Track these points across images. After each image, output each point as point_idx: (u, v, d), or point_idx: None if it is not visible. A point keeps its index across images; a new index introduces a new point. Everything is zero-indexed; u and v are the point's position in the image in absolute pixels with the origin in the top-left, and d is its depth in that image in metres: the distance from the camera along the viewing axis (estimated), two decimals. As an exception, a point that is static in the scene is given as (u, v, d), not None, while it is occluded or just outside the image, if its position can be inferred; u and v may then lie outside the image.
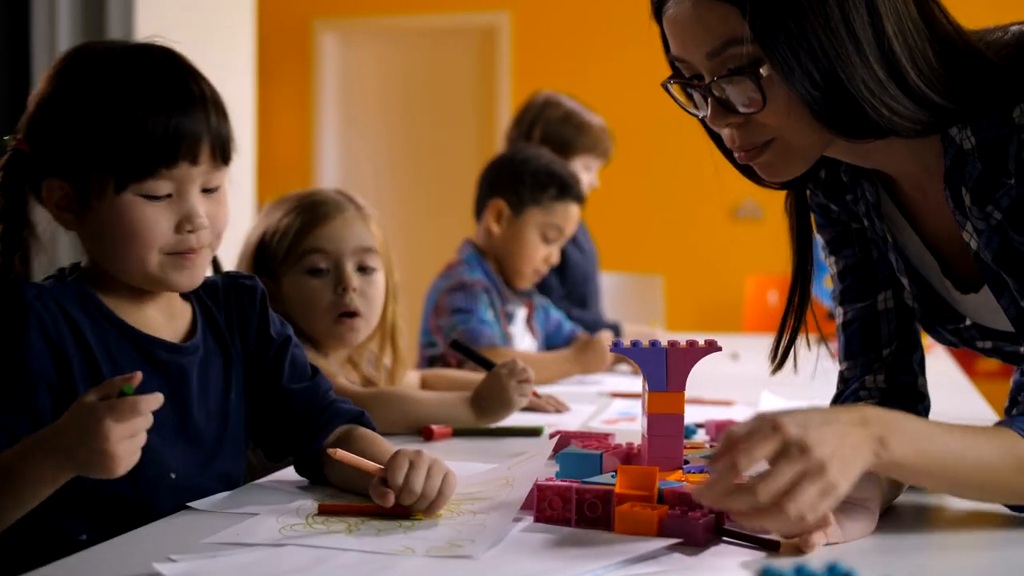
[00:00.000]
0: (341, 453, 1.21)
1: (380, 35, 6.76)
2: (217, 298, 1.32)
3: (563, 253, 2.91)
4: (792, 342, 1.34)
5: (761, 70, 1.09)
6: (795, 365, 1.35)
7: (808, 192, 1.36)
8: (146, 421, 1.02)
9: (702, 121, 1.23)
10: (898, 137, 1.13)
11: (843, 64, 1.07)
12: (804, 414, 0.98)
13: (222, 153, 1.20)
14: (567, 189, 2.63)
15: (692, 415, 1.43)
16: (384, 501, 1.13)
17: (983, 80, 1.12)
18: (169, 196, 1.18)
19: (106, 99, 1.16)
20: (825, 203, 1.37)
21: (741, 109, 1.13)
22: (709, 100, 1.15)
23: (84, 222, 1.19)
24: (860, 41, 1.07)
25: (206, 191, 1.21)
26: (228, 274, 1.37)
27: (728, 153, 1.27)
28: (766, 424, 0.96)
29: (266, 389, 1.35)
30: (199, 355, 1.27)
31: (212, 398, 1.28)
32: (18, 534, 1.11)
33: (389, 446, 1.29)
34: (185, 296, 1.30)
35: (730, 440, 0.97)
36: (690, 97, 1.19)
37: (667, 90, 1.20)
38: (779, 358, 1.35)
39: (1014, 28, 1.17)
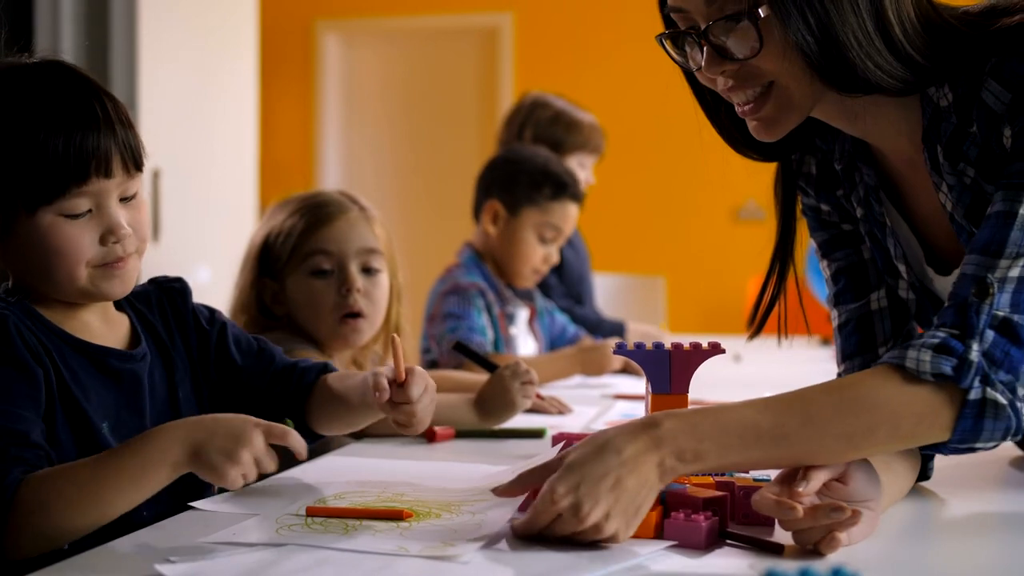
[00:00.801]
0: (398, 341, 1.28)
1: (382, 36, 6.76)
2: (150, 304, 1.34)
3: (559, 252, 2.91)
4: (770, 308, 1.36)
5: (759, 11, 1.11)
6: (778, 337, 1.37)
7: (799, 195, 1.39)
8: (274, 463, 1.08)
9: (693, 86, 1.26)
10: (882, 95, 1.16)
11: (836, 12, 1.10)
12: (581, 470, 1.01)
13: (134, 162, 1.21)
14: (563, 188, 2.61)
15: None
16: (381, 394, 1.25)
17: (957, 43, 1.15)
18: (89, 212, 1.19)
19: (6, 123, 1.16)
20: (816, 205, 1.39)
21: (738, 55, 1.15)
22: (705, 48, 1.17)
23: (6, 245, 1.20)
24: None
25: (124, 199, 1.22)
26: (155, 280, 1.38)
27: (713, 116, 1.29)
28: (544, 498, 1.01)
29: (225, 376, 1.37)
30: (147, 361, 1.29)
31: (160, 400, 1.30)
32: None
33: (363, 373, 1.34)
34: (119, 306, 1.31)
35: (517, 483, 1.09)
36: (683, 53, 1.21)
37: (661, 44, 1.22)
38: (756, 324, 1.37)
39: (979, 4, 1.21)
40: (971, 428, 1.07)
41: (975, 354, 1.06)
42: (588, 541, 1.01)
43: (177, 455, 1.07)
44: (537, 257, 2.62)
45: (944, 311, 1.11)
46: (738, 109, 1.21)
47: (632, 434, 1.04)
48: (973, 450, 1.11)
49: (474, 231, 2.71)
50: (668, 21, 1.22)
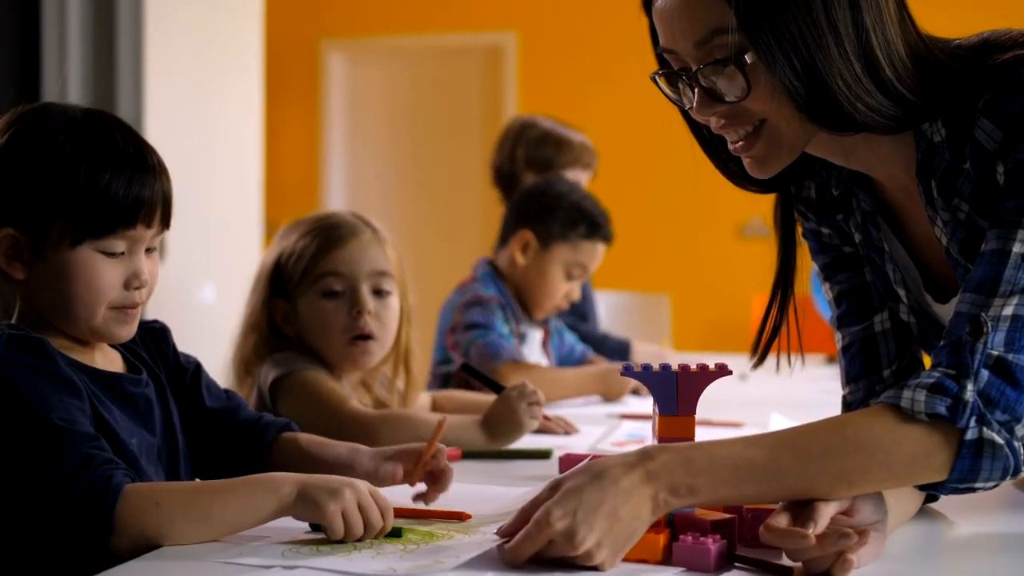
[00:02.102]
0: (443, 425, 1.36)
1: (387, 55, 6.78)
2: (135, 341, 1.38)
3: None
4: (773, 338, 1.36)
5: (746, 57, 1.12)
6: (778, 364, 1.37)
7: (799, 219, 1.39)
8: (383, 519, 1.13)
9: (687, 119, 1.27)
10: (872, 133, 1.16)
11: (822, 55, 1.10)
12: (579, 496, 1.02)
13: (167, 217, 1.30)
14: (597, 228, 2.61)
15: (700, 437, 1.43)
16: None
17: (950, 79, 1.15)
18: (122, 254, 1.26)
19: (72, 158, 1.23)
20: (816, 228, 1.39)
21: (727, 98, 1.16)
22: (696, 90, 1.18)
23: (34, 272, 1.25)
24: (840, 34, 1.10)
25: (148, 250, 1.30)
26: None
27: (711, 151, 1.30)
28: (540, 521, 1.01)
29: (192, 415, 1.42)
30: (151, 387, 1.35)
31: (162, 425, 1.35)
32: (24, 562, 1.15)
33: (333, 441, 1.42)
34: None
35: (520, 518, 1.06)
36: (677, 91, 1.21)
37: (655, 82, 1.23)
38: (759, 354, 1.37)
39: (972, 37, 1.21)
40: (969, 468, 1.07)
41: (970, 394, 1.06)
42: (576, 564, 1.02)
43: (286, 491, 1.13)
44: (560, 293, 2.62)
45: (939, 351, 1.11)
46: (731, 146, 1.22)
47: (628, 466, 1.05)
48: (973, 490, 1.10)
49: (482, 247, 2.71)
50: (662, 60, 1.23)
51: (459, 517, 1.23)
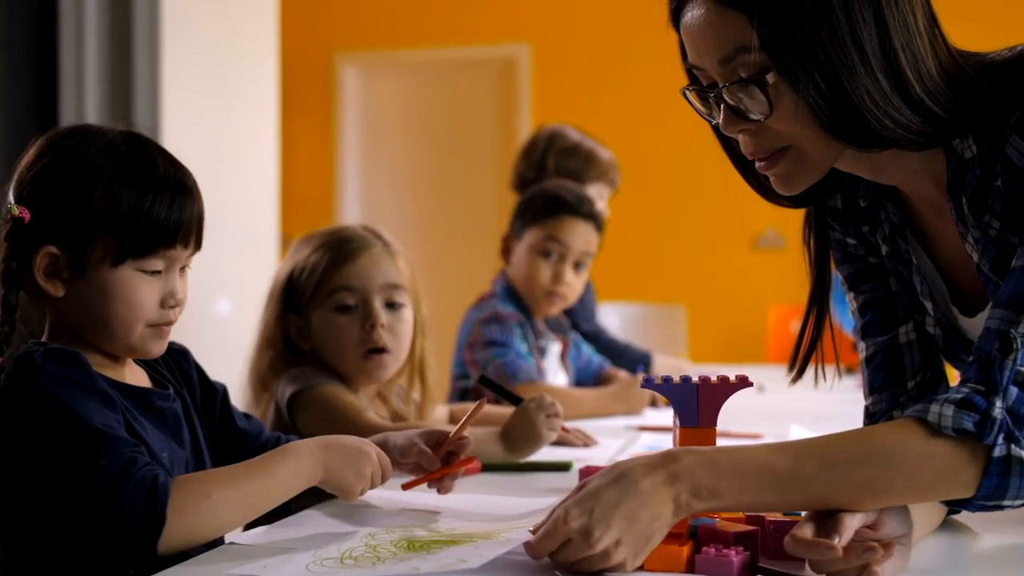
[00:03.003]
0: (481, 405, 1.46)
1: (401, 68, 6.80)
2: (158, 361, 1.41)
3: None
4: (811, 351, 1.35)
5: (768, 77, 1.11)
6: (815, 378, 1.35)
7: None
8: (385, 476, 1.34)
9: (718, 134, 1.26)
10: (901, 149, 1.15)
11: (848, 74, 1.08)
12: (597, 496, 1.02)
13: (200, 239, 1.34)
14: (561, 204, 2.56)
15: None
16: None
17: (982, 96, 1.14)
18: (159, 273, 1.30)
19: (115, 182, 1.26)
20: (842, 238, 1.38)
21: (751, 116, 1.15)
22: (722, 107, 1.17)
23: (73, 289, 1.27)
24: (866, 53, 1.09)
25: (180, 270, 1.34)
26: None
27: (742, 168, 1.29)
28: (557, 519, 1.02)
29: (224, 434, 1.46)
30: (179, 402, 1.38)
31: (188, 438, 1.38)
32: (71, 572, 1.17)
33: None
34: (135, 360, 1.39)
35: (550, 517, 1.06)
36: (706, 104, 1.21)
37: (685, 96, 1.22)
38: (797, 367, 1.36)
39: (1005, 51, 1.19)
40: (996, 486, 1.06)
41: (998, 411, 1.05)
42: (595, 570, 1.01)
43: (312, 472, 1.26)
44: (544, 275, 2.56)
45: (968, 366, 1.10)
46: (757, 164, 1.21)
47: (651, 467, 1.04)
48: (1000, 507, 1.09)
49: (496, 261, 2.72)
50: (691, 75, 1.22)
51: (468, 462, 1.41)
